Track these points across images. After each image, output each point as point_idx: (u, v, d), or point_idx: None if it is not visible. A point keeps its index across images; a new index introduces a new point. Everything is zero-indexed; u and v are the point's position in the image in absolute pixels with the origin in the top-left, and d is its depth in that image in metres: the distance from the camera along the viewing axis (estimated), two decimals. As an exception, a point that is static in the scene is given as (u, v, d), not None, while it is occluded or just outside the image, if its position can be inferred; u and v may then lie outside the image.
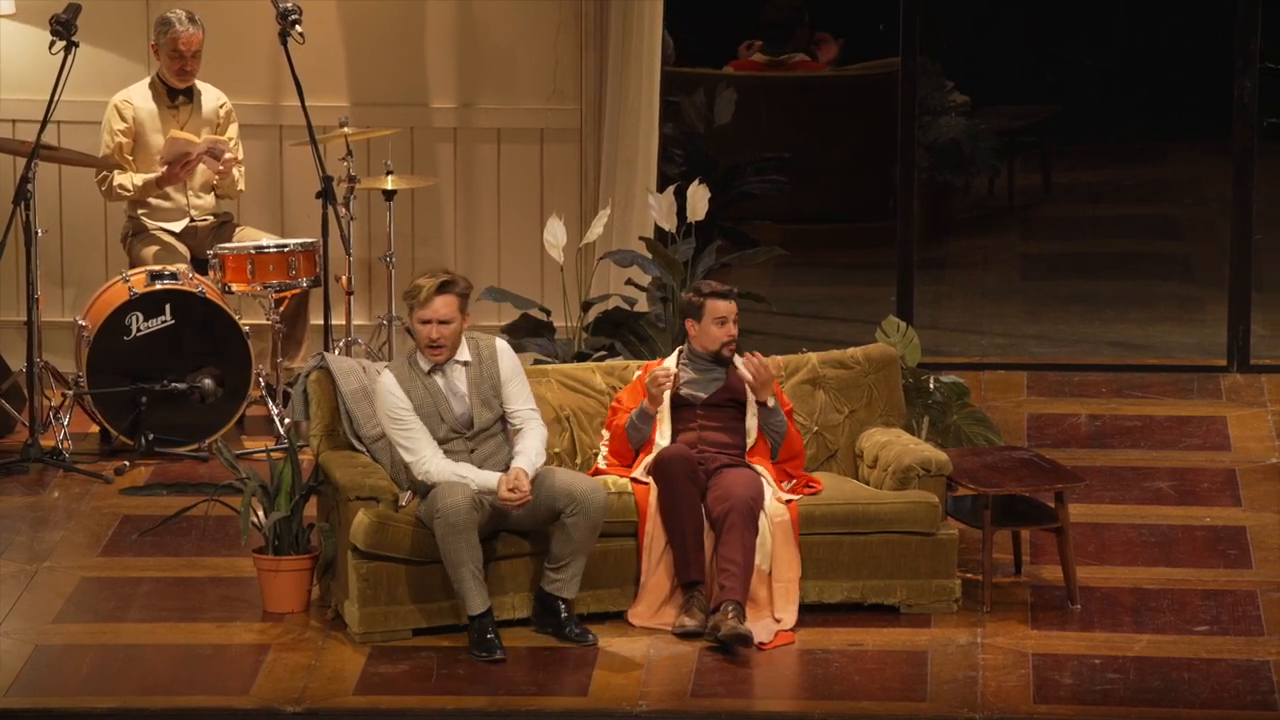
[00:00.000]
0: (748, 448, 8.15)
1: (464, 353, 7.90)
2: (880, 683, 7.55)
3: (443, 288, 7.81)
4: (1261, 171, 10.53)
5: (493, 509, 7.79)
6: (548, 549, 7.82)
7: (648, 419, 8.15)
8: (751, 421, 8.16)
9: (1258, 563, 8.46)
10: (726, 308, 8.16)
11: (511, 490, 7.73)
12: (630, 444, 8.16)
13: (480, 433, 7.87)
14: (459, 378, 7.87)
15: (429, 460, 7.79)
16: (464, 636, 7.85)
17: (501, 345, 7.95)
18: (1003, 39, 13.39)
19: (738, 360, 8.15)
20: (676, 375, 8.14)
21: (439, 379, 7.86)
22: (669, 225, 9.70)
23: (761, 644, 7.83)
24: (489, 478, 7.77)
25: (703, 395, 8.17)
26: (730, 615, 7.76)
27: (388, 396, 7.85)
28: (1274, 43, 10.61)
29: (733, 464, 8.08)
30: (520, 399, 7.91)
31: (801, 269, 11.80)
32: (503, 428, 7.93)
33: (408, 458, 7.82)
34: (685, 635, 7.84)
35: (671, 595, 7.97)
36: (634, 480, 8.08)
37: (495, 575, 7.94)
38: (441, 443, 7.83)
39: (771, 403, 8.12)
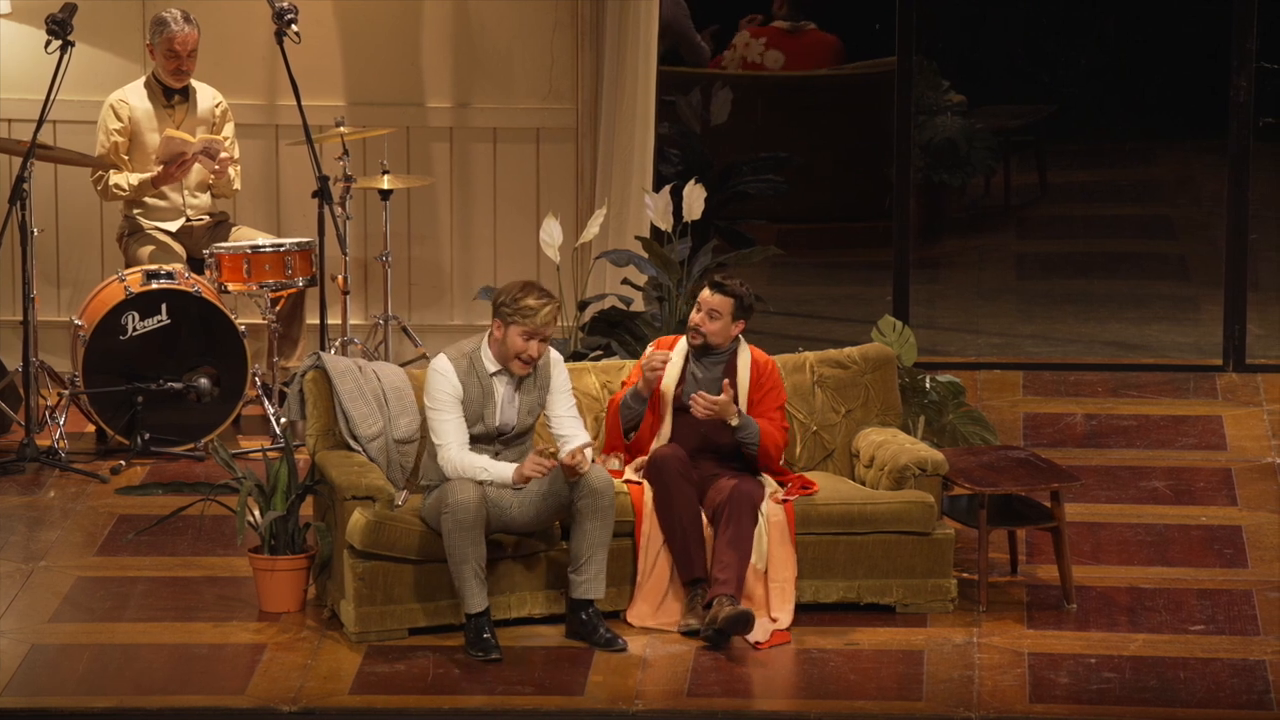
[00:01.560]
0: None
1: None
2: (876, 682, 7.55)
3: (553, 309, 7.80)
4: (1257, 171, 10.54)
5: (496, 510, 7.80)
6: (570, 554, 7.82)
7: (640, 400, 8.15)
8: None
9: (1253, 562, 8.46)
10: (705, 296, 8.18)
11: (566, 456, 7.69)
12: (622, 423, 8.14)
13: (512, 439, 7.88)
14: (515, 384, 7.86)
15: (452, 448, 7.79)
16: (461, 636, 7.85)
17: (556, 356, 7.96)
18: (998, 39, 13.40)
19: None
20: (665, 364, 8.11)
21: (498, 382, 7.85)
22: (665, 225, 9.70)
23: (757, 643, 7.83)
24: (505, 469, 7.77)
25: (704, 390, 8.16)
26: (726, 604, 7.75)
27: (439, 379, 7.83)
28: (1270, 42, 10.62)
29: (731, 472, 8.07)
30: (565, 407, 7.93)
31: (797, 268, 11.80)
32: (529, 437, 7.94)
33: (435, 439, 7.83)
34: (691, 634, 7.83)
35: (669, 595, 7.97)
36: (627, 481, 8.07)
37: (495, 575, 7.94)
38: (472, 440, 7.82)
39: (735, 422, 8.09)
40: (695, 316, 8.16)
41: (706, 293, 8.17)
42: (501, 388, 7.86)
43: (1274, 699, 7.42)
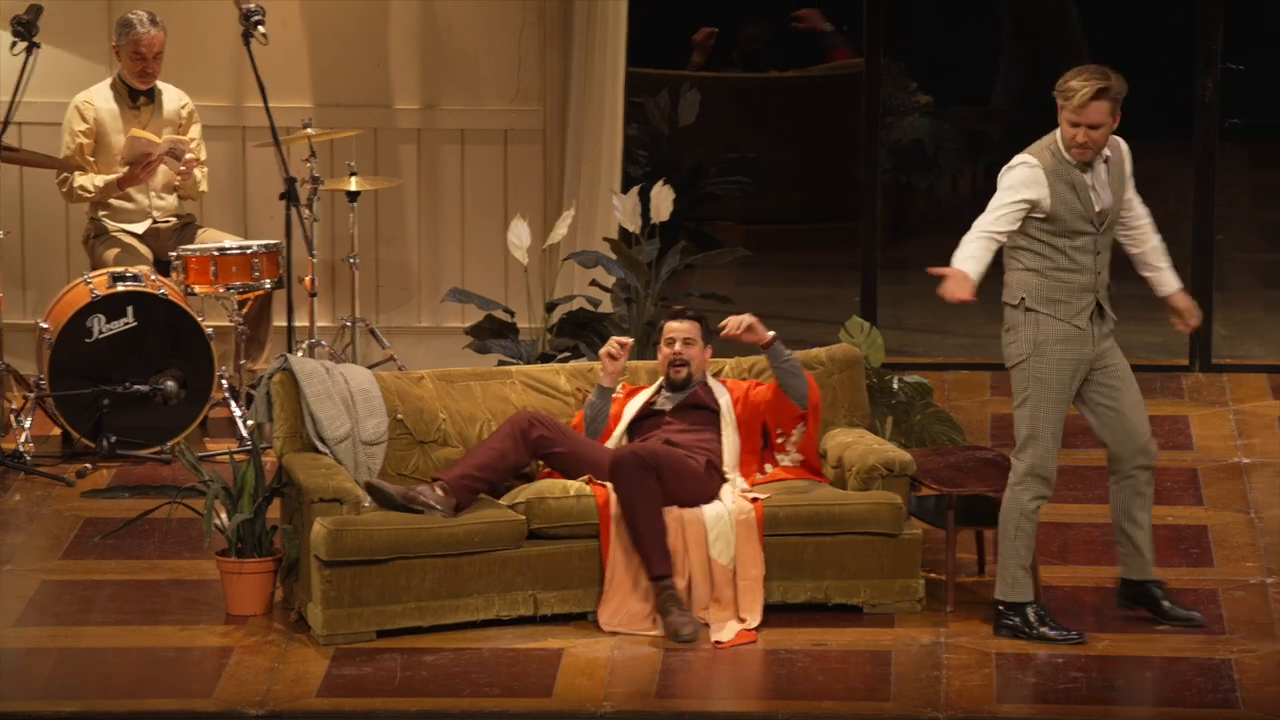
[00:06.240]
0: (728, 459, 8.11)
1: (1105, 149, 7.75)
2: (844, 683, 7.56)
3: (1099, 94, 7.63)
4: (1223, 172, 10.56)
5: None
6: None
7: (605, 394, 8.15)
8: (728, 430, 8.14)
9: (1219, 561, 8.49)
10: (676, 328, 8.18)
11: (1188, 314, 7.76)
12: (586, 422, 8.14)
13: (1108, 226, 7.77)
14: (1102, 171, 7.76)
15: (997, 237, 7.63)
16: (427, 638, 7.84)
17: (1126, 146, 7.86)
18: (965, 39, 13.41)
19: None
20: (628, 345, 8.13)
21: (1087, 175, 7.71)
22: (633, 226, 9.70)
23: (718, 642, 7.82)
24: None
25: (669, 405, 8.17)
26: (674, 610, 7.72)
27: (1028, 177, 7.63)
28: (1235, 43, 10.65)
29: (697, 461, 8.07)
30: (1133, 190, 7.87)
31: (765, 269, 11.80)
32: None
33: (995, 227, 7.64)
34: (683, 641, 7.79)
35: (634, 596, 7.96)
36: (592, 482, 8.06)
37: (460, 576, 7.93)
38: (1075, 234, 7.68)
39: (769, 338, 8.00)
40: (672, 350, 8.13)
41: (673, 324, 8.16)
42: (1090, 178, 7.70)
43: (1240, 697, 7.44)
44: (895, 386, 8.96)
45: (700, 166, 11.61)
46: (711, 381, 8.24)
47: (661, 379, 8.26)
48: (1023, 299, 7.76)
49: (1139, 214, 7.93)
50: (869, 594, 8.07)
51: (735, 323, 7.96)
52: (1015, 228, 7.70)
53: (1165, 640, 7.82)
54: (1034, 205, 7.68)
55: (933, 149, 12.38)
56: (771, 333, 8.02)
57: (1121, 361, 7.82)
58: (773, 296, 11.58)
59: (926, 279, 12.40)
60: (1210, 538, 8.66)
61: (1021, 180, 7.68)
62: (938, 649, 7.78)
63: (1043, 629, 7.74)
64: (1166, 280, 7.91)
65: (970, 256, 7.69)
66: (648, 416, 8.18)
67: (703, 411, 8.17)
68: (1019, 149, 7.84)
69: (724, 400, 8.16)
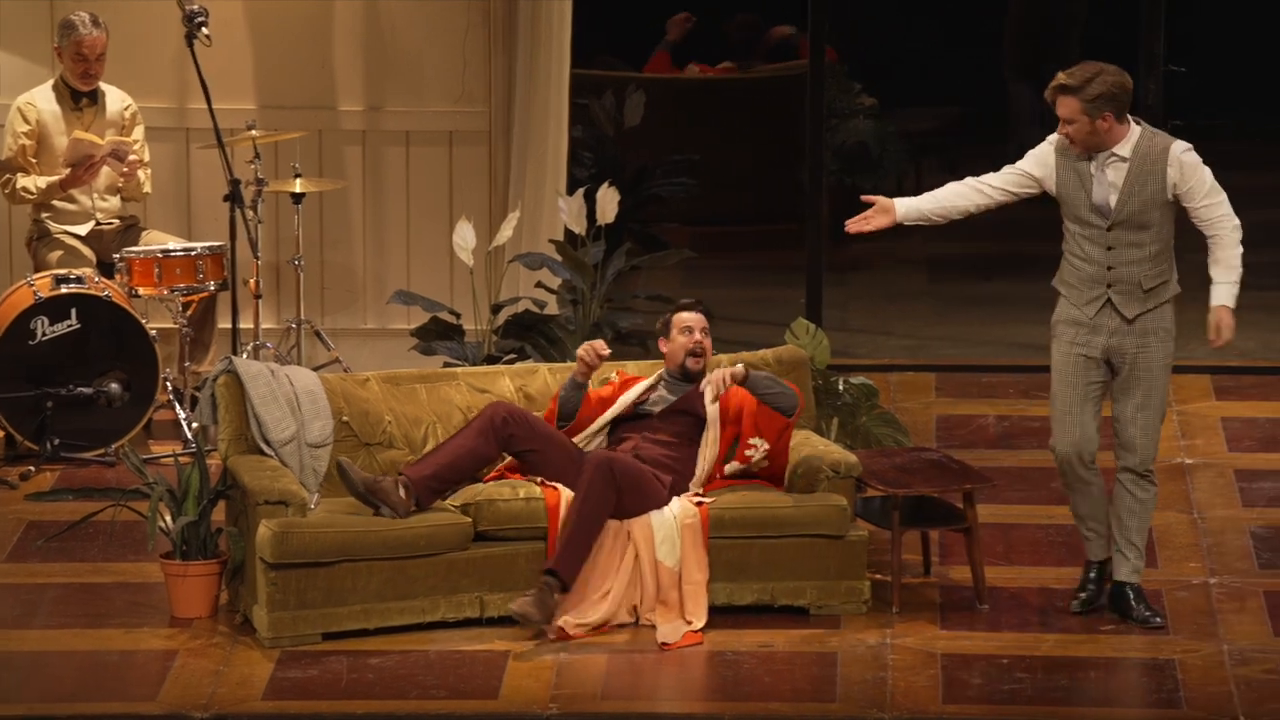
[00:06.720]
0: (698, 474, 8.10)
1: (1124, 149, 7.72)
2: (790, 684, 7.57)
3: (1057, 90, 7.68)
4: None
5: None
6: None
7: (577, 387, 8.16)
8: (710, 439, 8.11)
9: (1163, 562, 8.53)
10: (692, 318, 8.21)
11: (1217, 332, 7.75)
12: (560, 404, 8.14)
13: (1118, 225, 7.72)
14: (1111, 169, 7.70)
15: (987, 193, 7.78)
16: (373, 641, 7.83)
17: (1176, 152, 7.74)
18: (911, 41, 13.46)
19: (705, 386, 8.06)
20: (606, 356, 8.12)
21: (1091, 166, 7.72)
22: (578, 228, 9.71)
23: (665, 644, 7.83)
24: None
25: (660, 407, 8.16)
26: (533, 602, 7.70)
27: (1040, 153, 7.78)
28: (1177, 45, 10.70)
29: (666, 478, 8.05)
30: (1201, 197, 7.76)
31: (710, 271, 11.82)
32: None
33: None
34: (515, 616, 7.75)
35: (581, 597, 7.95)
36: (544, 484, 8.06)
37: (406, 578, 7.92)
38: (1082, 223, 7.73)
39: (742, 371, 7.98)
40: (692, 340, 8.13)
41: (688, 315, 8.18)
42: (1094, 168, 7.71)
43: (1183, 697, 7.48)
44: (841, 388, 8.98)
45: (645, 168, 11.62)
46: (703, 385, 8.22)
47: (660, 373, 8.25)
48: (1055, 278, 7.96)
49: (1209, 224, 7.84)
50: (815, 595, 8.08)
51: (717, 384, 7.95)
52: (1008, 188, 7.90)
53: (1109, 640, 7.86)
54: (1036, 182, 7.87)
55: (877, 151, 12.41)
56: (740, 367, 8.02)
57: (1140, 365, 7.83)
58: (718, 298, 11.57)
59: (870, 281, 12.44)
60: (1154, 538, 8.69)
61: (1033, 153, 7.91)
62: (883, 650, 7.80)
63: (1080, 593, 7.97)
64: (1213, 294, 7.86)
65: (929, 193, 8.00)
66: (634, 417, 8.16)
67: (689, 419, 8.15)
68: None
69: (712, 409, 8.13)
